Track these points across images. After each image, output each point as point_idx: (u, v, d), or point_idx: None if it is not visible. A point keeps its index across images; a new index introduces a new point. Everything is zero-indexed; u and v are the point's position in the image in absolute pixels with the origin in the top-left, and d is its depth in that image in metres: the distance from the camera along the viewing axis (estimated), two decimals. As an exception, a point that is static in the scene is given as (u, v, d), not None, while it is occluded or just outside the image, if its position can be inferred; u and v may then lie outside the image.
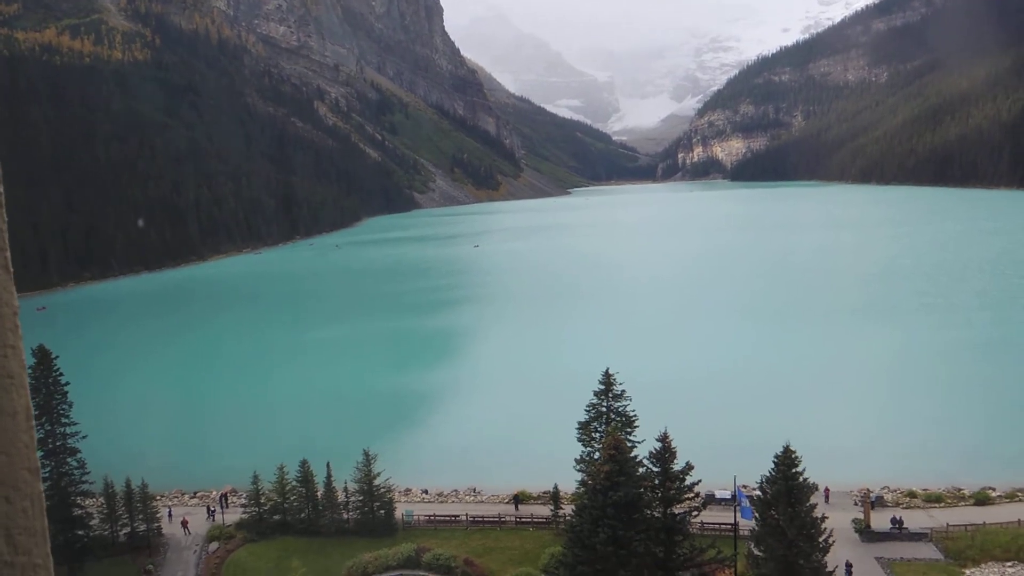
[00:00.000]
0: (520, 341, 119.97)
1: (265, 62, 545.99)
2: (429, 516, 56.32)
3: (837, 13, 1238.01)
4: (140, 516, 54.62)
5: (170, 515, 58.44)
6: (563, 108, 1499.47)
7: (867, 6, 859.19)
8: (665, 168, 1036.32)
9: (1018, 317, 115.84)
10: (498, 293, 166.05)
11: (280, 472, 55.36)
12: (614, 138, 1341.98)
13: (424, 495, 61.99)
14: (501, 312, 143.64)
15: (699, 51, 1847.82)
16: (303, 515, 55.26)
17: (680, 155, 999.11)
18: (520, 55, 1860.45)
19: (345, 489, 55.63)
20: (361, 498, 54.50)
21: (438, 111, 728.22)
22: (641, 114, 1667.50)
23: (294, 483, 55.38)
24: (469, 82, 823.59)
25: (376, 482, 54.15)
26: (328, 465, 55.56)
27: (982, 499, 54.66)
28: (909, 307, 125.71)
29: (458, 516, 56.10)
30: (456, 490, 62.73)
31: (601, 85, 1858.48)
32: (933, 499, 55.46)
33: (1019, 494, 55.47)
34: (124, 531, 54.85)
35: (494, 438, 74.69)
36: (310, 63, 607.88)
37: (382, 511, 54.47)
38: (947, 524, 50.23)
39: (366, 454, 54.32)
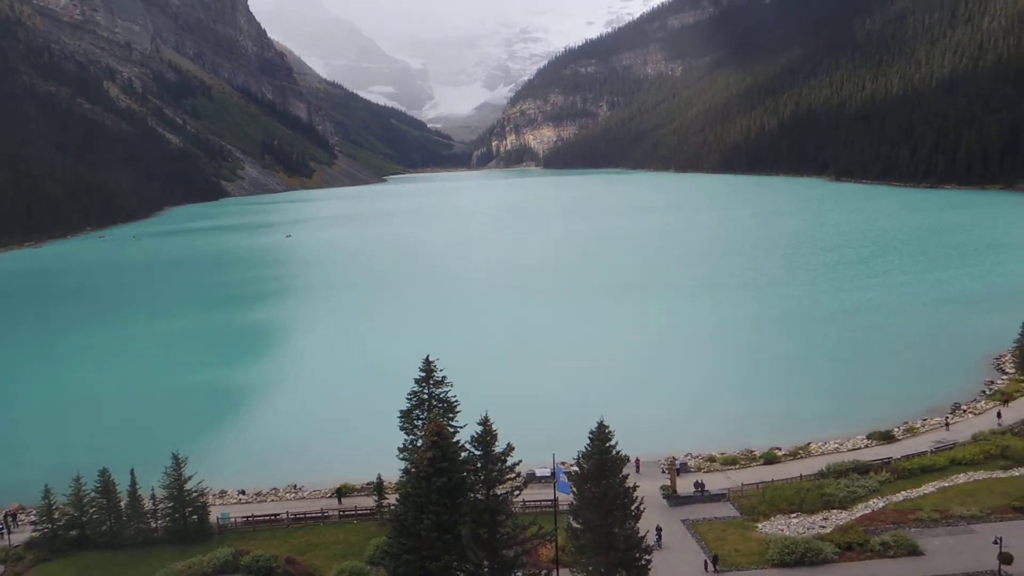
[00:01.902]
0: (339, 332, 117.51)
1: (44, 37, 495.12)
2: (247, 517, 53.93)
3: (636, 9, 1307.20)
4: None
5: (-58, 543, 52.00)
6: (377, 94, 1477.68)
7: (662, 3, 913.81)
8: (480, 156, 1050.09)
9: (797, 292, 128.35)
10: (314, 283, 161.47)
11: (76, 484, 50.77)
12: (429, 125, 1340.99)
13: (241, 496, 59.28)
14: (318, 303, 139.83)
15: (510, 41, 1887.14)
16: (104, 528, 51.03)
17: (494, 143, 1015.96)
18: (331, 39, 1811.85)
19: (153, 496, 52.01)
20: (171, 504, 51.17)
21: (245, 95, 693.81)
22: (455, 102, 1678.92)
23: (93, 494, 50.98)
24: (277, 65, 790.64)
25: (187, 486, 51.05)
26: (132, 472, 51.65)
27: (771, 459, 60.25)
28: (710, 285, 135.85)
29: (278, 515, 54.17)
30: (276, 488, 60.54)
31: (415, 72, 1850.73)
32: (730, 462, 60.36)
33: (800, 452, 61.68)
34: None
35: (314, 432, 72.78)
36: (97, 39, 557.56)
37: (195, 516, 51.46)
38: (742, 484, 54.91)
39: (175, 457, 51.07)
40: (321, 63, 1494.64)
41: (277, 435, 72.92)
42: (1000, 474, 54.91)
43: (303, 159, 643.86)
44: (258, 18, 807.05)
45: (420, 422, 50.16)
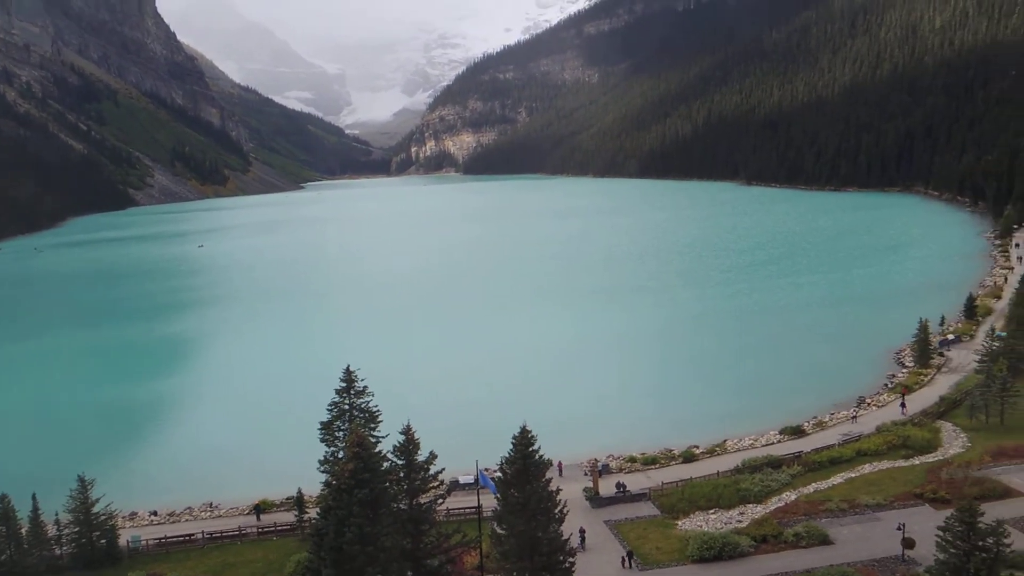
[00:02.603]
0: (254, 343, 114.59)
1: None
2: (160, 539, 51.95)
3: (554, 16, 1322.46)
4: None
5: None
6: (293, 100, 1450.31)
7: (579, 11, 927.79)
8: (399, 162, 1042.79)
9: (712, 294, 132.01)
10: (228, 294, 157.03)
11: (-30, 513, 47.91)
12: (347, 131, 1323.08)
13: (153, 517, 57.10)
14: (234, 314, 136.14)
15: (428, 47, 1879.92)
16: (3, 558, 48.33)
17: (414, 149, 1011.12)
18: (245, 44, 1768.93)
19: (57, 522, 49.53)
20: (77, 529, 48.86)
21: (154, 100, 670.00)
22: (373, 108, 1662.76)
23: (-11, 523, 48.20)
24: (188, 70, 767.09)
25: (95, 509, 48.86)
26: (34, 497, 49.08)
27: (689, 457, 61.73)
28: (627, 288, 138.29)
29: (193, 535, 52.39)
30: (190, 507, 58.52)
31: (332, 77, 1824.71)
32: (650, 462, 61.56)
33: (717, 449, 63.40)
34: None
35: (231, 447, 70.75)
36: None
37: (103, 540, 49.27)
38: (662, 483, 56.06)
39: (81, 480, 48.79)
40: (235, 67, 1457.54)
41: (191, 452, 70.59)
42: (902, 463, 57.68)
43: (216, 166, 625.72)
44: (167, 21, 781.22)
45: (341, 433, 49.41)
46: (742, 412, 72.02)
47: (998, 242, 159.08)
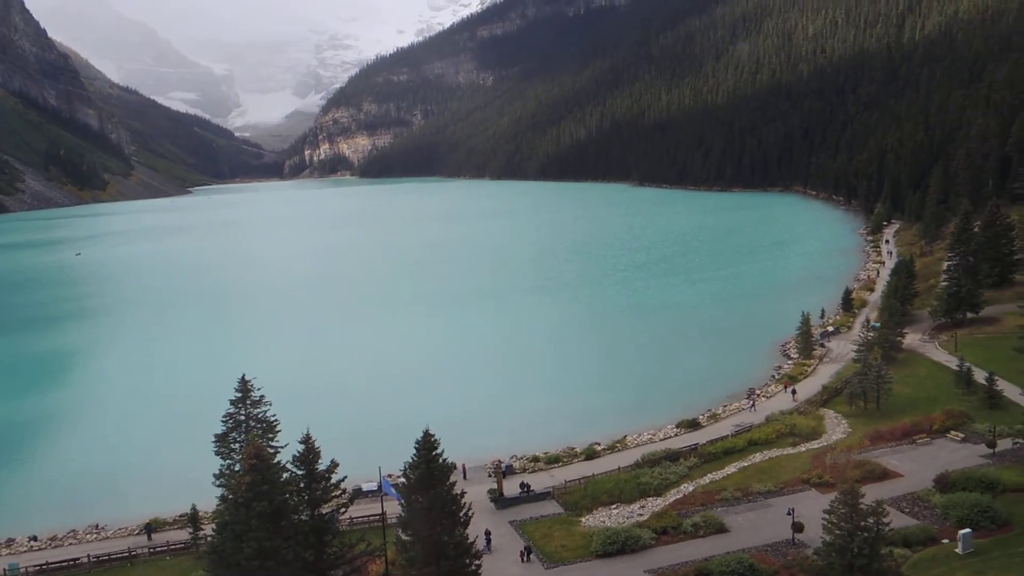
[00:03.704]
0: (140, 354, 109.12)
1: None
2: (41, 566, 48.83)
3: (447, 19, 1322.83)
4: None
5: None
6: (177, 101, 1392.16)
7: (472, 14, 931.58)
8: (293, 165, 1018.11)
9: (609, 293, 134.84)
10: (110, 304, 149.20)
11: None
12: (236, 134, 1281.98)
13: (33, 543, 53.56)
14: (115, 324, 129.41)
15: (320, 48, 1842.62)
16: None
17: (307, 152, 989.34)
18: (124, 42, 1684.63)
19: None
20: (-55, 562, 45.47)
21: (23, 100, 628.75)
22: (264, 109, 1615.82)
23: None
24: (61, 68, 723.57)
25: (-35, 539, 45.56)
26: None
27: (591, 454, 62.80)
28: (526, 288, 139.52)
29: (78, 559, 49.46)
30: (75, 530, 55.20)
31: (219, 78, 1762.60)
32: (553, 460, 62.28)
33: (618, 445, 64.77)
34: None
35: (117, 465, 67.10)
36: None
37: (-24, 572, 46.03)
38: (565, 481, 56.81)
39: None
40: (113, 67, 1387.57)
41: (73, 472, 66.55)
42: (790, 450, 60.50)
43: (95, 170, 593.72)
44: (37, 16, 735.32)
45: (237, 445, 47.88)
46: (641, 408, 73.85)
47: (870, 238, 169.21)
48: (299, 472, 37.40)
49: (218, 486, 45.96)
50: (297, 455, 37.50)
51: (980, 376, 66.60)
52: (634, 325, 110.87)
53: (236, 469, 44.89)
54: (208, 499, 47.91)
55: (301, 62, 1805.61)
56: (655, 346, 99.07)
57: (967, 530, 43.38)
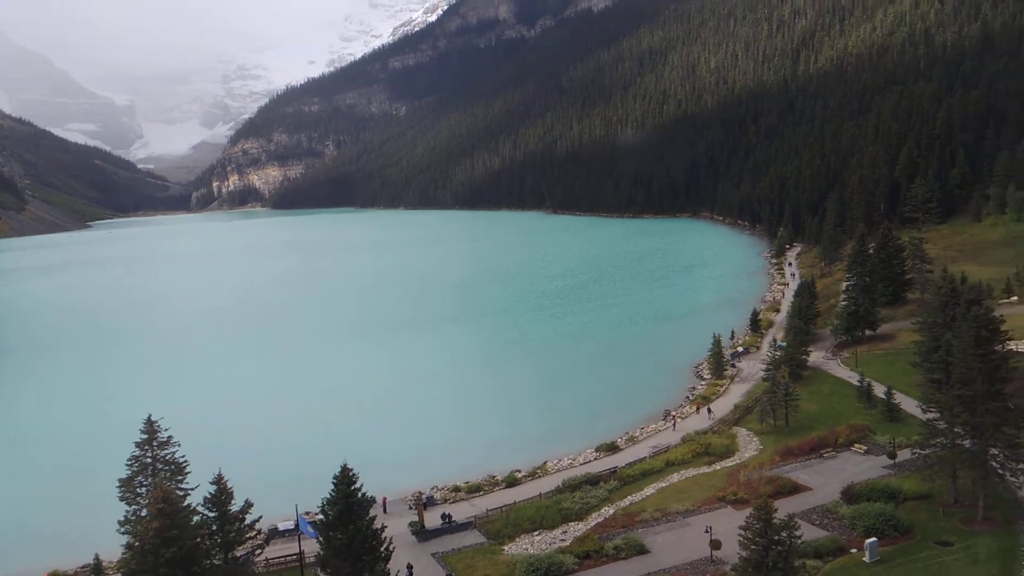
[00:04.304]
0: (35, 396, 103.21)
1: None
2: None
3: (358, 50, 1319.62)
4: None
5: None
6: (75, 132, 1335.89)
7: (384, 45, 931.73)
8: (200, 197, 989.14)
9: (527, 319, 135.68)
10: (6, 344, 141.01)
11: None
12: (139, 166, 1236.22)
13: (-84, 606, 49.81)
14: (9, 367, 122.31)
15: (227, 78, 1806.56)
16: None
17: (216, 184, 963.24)
18: (17, 72, 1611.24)
19: None
20: None
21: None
22: (169, 141, 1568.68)
23: None
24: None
25: None
26: None
27: (512, 481, 62.73)
28: (442, 318, 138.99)
29: (-32, 621, 46.28)
30: (-37, 590, 51.66)
31: (120, 109, 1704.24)
32: (474, 489, 61.89)
33: (539, 471, 64.92)
34: None
35: (10, 515, 63.01)
36: None
37: None
38: (487, 510, 56.53)
39: None
40: (6, 97, 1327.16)
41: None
42: (706, 469, 61.91)
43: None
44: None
45: (144, 489, 45.83)
46: (561, 433, 74.31)
47: (774, 261, 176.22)
48: (211, 514, 36.14)
49: (123, 533, 43.75)
50: (208, 497, 36.25)
51: (880, 390, 69.90)
52: (552, 351, 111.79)
53: (143, 514, 42.91)
54: (113, 548, 45.52)
55: (208, 92, 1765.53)
56: (573, 371, 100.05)
57: (873, 539, 45.23)
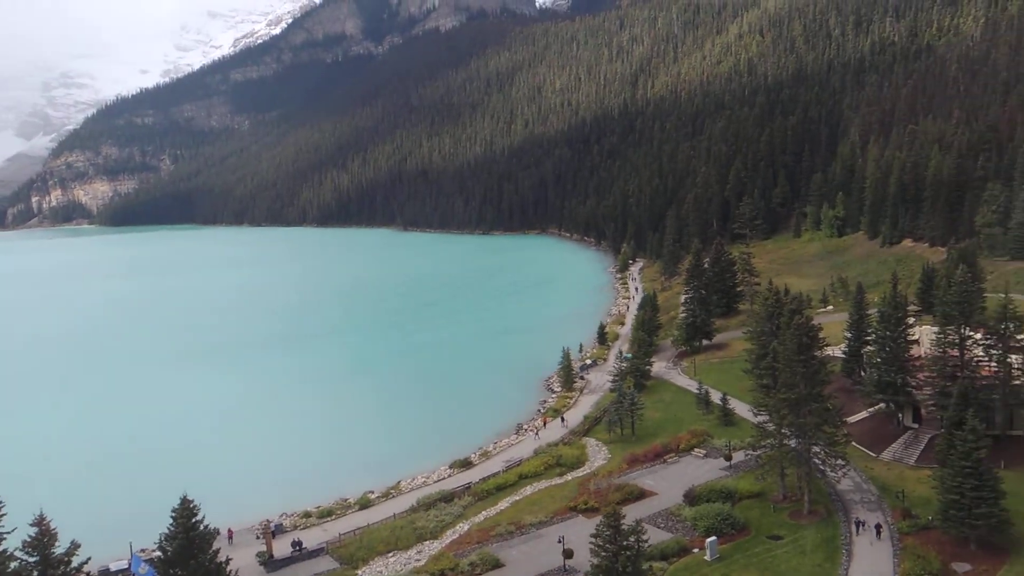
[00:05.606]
0: None
1: None
2: None
3: (196, 60, 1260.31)
4: None
5: None
6: None
7: (224, 56, 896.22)
8: (17, 214, 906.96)
9: (380, 336, 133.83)
10: None
11: None
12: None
13: None
14: None
15: (48, 86, 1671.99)
16: None
17: (35, 199, 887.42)
18: None
19: None
20: None
21: None
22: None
23: None
24: None
25: None
26: None
27: (365, 504, 61.44)
28: (284, 339, 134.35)
29: None
30: None
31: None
32: (326, 514, 60.13)
33: (392, 492, 64.03)
34: None
35: None
36: None
37: None
38: (339, 534, 55.04)
39: None
40: None
41: None
42: (558, 480, 63.27)
43: None
44: None
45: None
46: (414, 451, 73.67)
47: (619, 275, 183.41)
48: (31, 559, 33.08)
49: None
50: (28, 540, 33.17)
51: (716, 397, 74.22)
52: (403, 369, 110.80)
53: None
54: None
55: (25, 101, 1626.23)
56: (425, 388, 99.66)
57: (713, 538, 47.83)
